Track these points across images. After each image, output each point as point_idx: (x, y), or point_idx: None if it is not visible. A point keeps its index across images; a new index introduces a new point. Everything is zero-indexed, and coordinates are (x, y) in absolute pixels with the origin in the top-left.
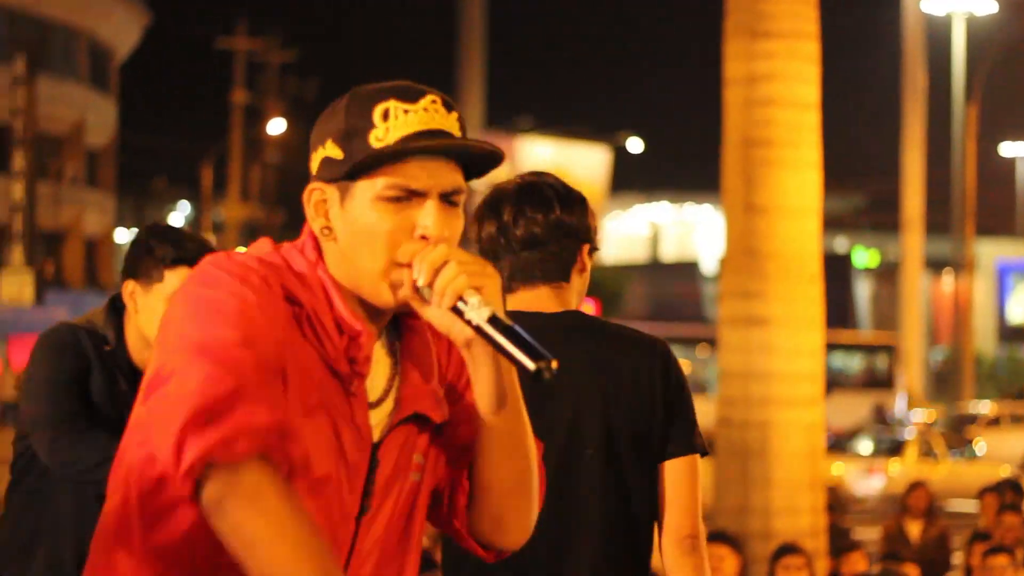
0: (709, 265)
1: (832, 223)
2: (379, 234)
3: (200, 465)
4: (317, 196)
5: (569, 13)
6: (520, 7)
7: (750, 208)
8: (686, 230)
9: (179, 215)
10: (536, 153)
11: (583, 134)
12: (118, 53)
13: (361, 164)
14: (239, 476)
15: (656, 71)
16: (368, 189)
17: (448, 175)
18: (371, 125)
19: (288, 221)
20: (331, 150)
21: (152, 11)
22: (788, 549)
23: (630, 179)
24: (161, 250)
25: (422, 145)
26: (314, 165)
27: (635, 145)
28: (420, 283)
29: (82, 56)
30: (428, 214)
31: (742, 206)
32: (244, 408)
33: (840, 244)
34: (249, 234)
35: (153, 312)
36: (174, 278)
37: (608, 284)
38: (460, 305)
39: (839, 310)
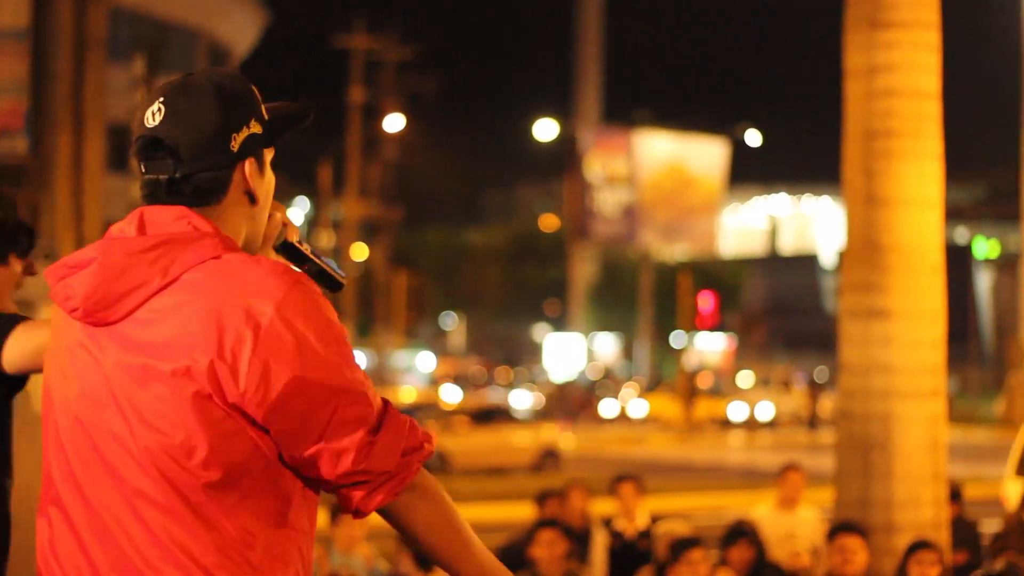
0: (828, 258)
1: (952, 214)
2: (273, 190)
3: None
4: (251, 168)
5: (687, 6)
6: (637, 1)
7: (871, 200)
8: (804, 223)
9: (298, 212)
10: (654, 146)
11: (701, 127)
12: (236, 53)
13: (278, 134)
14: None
15: (774, 63)
16: (268, 155)
17: None
18: (258, 102)
19: (407, 217)
20: (254, 127)
21: (270, 11)
22: (921, 544)
23: (748, 172)
24: None
25: (302, 110)
26: (237, 145)
27: (753, 138)
28: (285, 229)
29: (201, 56)
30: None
31: (863, 198)
32: None
33: (960, 235)
34: (368, 231)
35: None
36: None
37: (726, 277)
38: (296, 243)
39: (960, 301)
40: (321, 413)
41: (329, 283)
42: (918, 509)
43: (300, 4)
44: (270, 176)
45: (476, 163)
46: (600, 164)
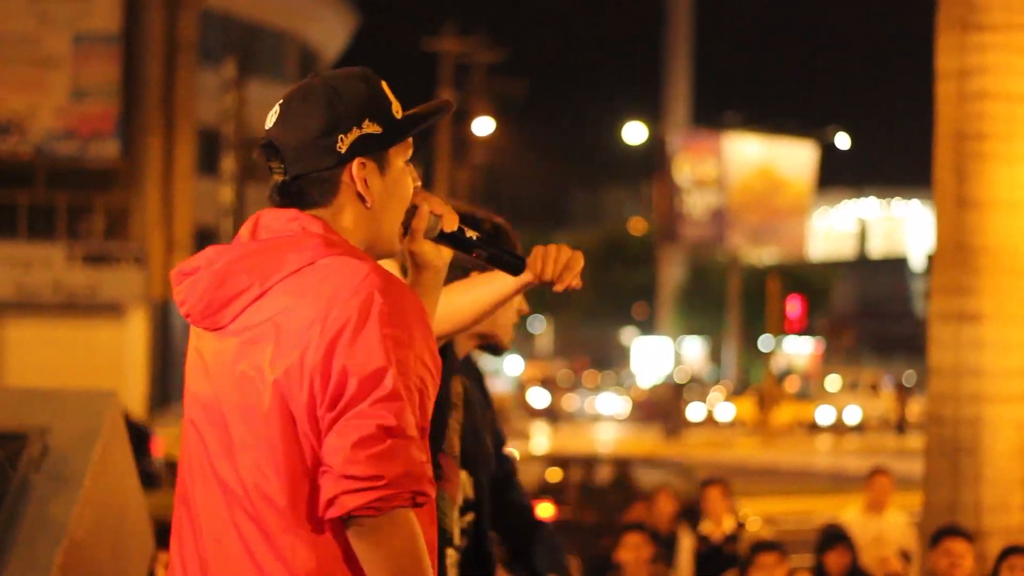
0: (917, 261)
1: None
2: (409, 190)
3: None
4: (361, 171)
5: (776, 9)
6: (727, 3)
7: (962, 202)
8: (894, 226)
9: None
10: (743, 149)
11: (790, 130)
12: (327, 56)
13: (406, 132)
14: None
15: (864, 66)
16: (399, 154)
17: None
18: (390, 101)
19: None
20: (369, 127)
21: (361, 14)
22: (1015, 549)
23: (837, 175)
24: None
25: (436, 107)
26: (344, 146)
27: (843, 141)
28: (440, 219)
29: (291, 59)
30: (412, 167)
31: (954, 200)
32: None
33: None
34: None
35: None
36: None
37: (815, 281)
38: (458, 232)
39: None
40: (353, 401)
41: (506, 267)
42: (1007, 514)
43: (390, 7)
44: (397, 175)
45: (564, 165)
46: (689, 167)
